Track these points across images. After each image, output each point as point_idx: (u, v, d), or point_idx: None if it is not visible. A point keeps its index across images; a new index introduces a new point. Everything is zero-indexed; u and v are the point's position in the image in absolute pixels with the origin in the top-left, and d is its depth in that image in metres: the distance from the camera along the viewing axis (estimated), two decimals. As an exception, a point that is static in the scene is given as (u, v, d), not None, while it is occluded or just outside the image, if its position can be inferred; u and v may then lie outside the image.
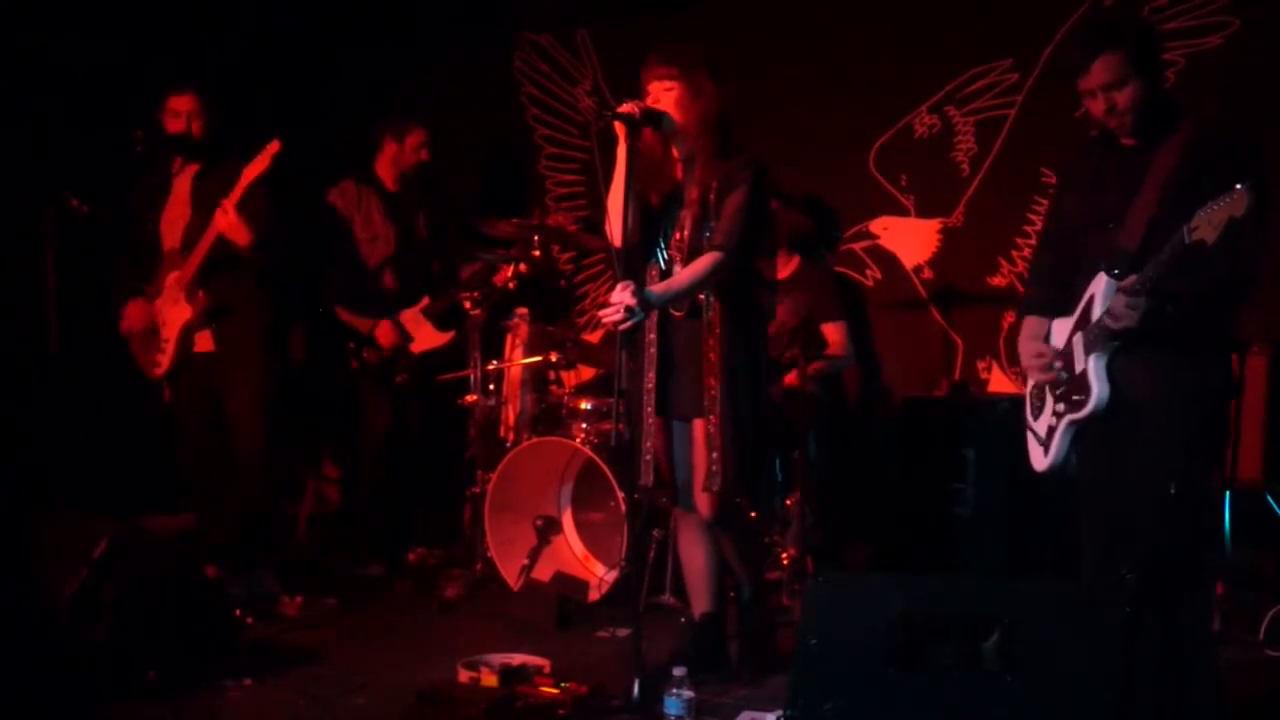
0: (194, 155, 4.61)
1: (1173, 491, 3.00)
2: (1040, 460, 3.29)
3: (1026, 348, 3.31)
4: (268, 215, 4.52)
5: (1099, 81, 3.08)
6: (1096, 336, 3.08)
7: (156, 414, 4.80)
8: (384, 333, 5.12)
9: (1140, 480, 3.08)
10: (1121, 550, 3.12)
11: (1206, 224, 2.76)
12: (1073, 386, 3.15)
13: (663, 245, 3.61)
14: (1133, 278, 2.98)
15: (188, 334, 4.58)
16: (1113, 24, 3.45)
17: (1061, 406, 3.19)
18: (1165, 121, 3.11)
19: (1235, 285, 3.06)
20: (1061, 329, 3.24)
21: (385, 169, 5.28)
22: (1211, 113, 3.37)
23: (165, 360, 4.61)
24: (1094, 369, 3.08)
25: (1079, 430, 3.18)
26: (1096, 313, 3.08)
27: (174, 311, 4.58)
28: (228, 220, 4.39)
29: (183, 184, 4.65)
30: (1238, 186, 2.73)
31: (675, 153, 3.61)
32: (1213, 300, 3.05)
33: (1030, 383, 3.36)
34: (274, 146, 4.34)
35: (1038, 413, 3.31)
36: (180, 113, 4.54)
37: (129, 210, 4.73)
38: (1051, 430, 3.23)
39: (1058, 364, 3.19)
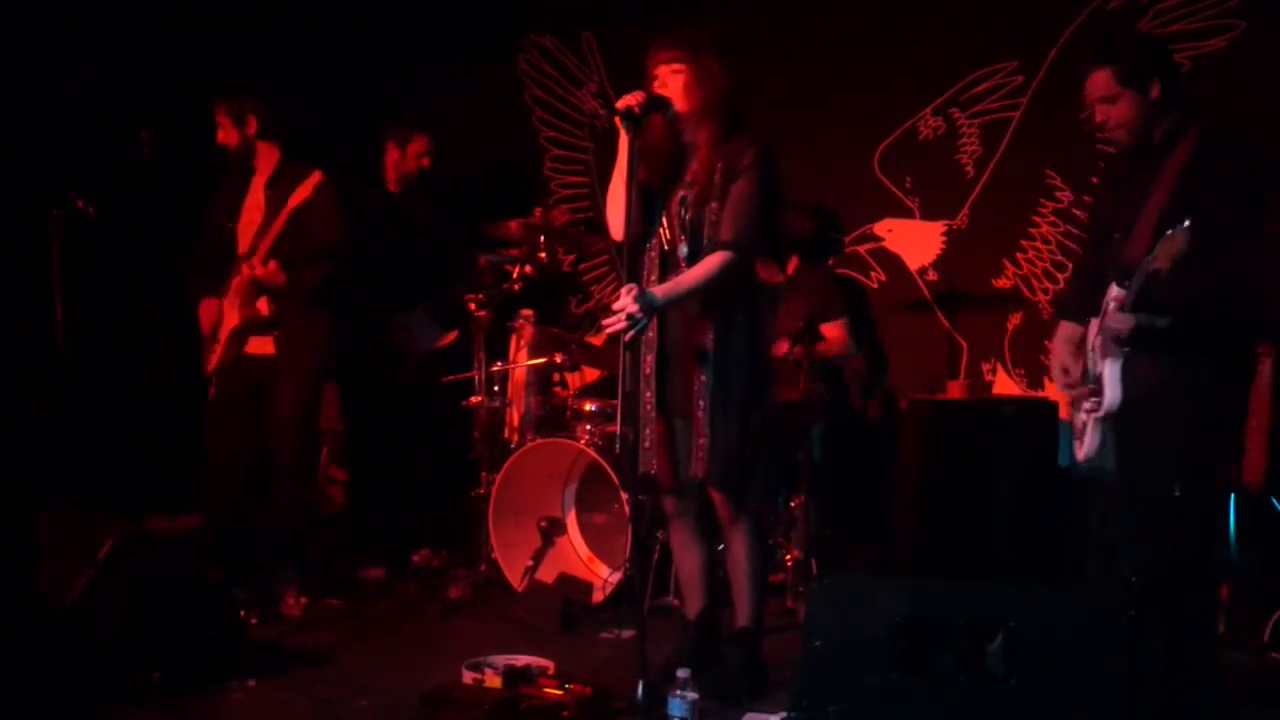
0: (238, 165, 4.59)
1: (1177, 494, 3.02)
2: (1077, 451, 3.33)
3: (1056, 359, 3.41)
4: (337, 232, 4.48)
5: (1093, 95, 3.15)
6: (1106, 342, 3.14)
7: (195, 412, 4.74)
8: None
9: (1142, 480, 3.13)
10: (1125, 551, 3.14)
11: (1164, 254, 2.84)
12: (1096, 387, 3.21)
13: (664, 225, 3.51)
14: (1124, 294, 3.04)
15: (235, 338, 4.55)
16: (1107, 37, 3.45)
17: (1089, 404, 3.25)
18: (1174, 129, 3.11)
19: (1218, 297, 3.05)
20: (1094, 329, 3.29)
21: (388, 171, 5.29)
22: (1217, 116, 3.36)
23: (214, 359, 4.60)
24: (1109, 373, 3.16)
25: (1111, 428, 3.23)
26: None
27: (230, 315, 4.56)
28: (255, 273, 4.41)
29: (257, 188, 4.63)
30: (1185, 224, 2.79)
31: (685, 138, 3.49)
32: (1202, 311, 3.06)
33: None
34: (315, 178, 4.35)
35: (1077, 406, 3.36)
36: (218, 125, 4.54)
37: (206, 214, 4.70)
38: (1084, 425, 3.29)
39: (1083, 388, 3.26)
